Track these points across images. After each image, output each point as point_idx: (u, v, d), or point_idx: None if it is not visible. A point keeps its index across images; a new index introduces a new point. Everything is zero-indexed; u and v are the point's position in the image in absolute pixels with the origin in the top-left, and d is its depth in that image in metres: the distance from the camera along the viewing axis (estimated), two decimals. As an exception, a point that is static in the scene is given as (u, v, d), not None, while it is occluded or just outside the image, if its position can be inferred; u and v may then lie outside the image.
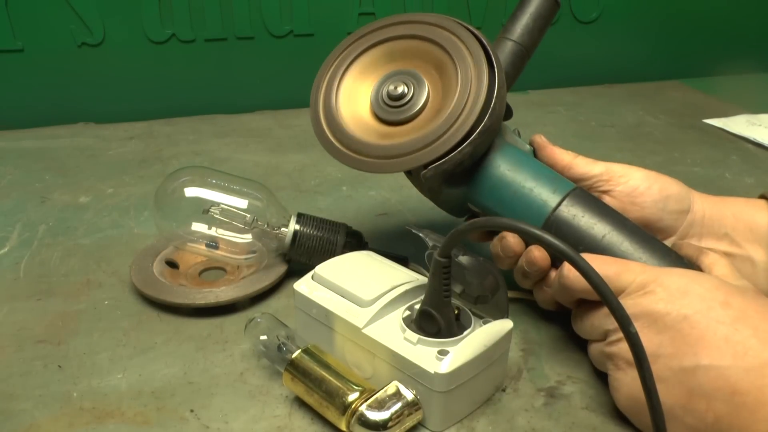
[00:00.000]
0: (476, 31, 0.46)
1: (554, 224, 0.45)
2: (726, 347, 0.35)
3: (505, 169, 0.47)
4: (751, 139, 0.88)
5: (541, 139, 0.51)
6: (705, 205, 0.49)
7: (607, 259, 0.40)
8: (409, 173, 0.52)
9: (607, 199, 0.48)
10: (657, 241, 0.45)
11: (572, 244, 0.44)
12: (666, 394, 0.35)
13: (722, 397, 0.34)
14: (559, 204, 0.45)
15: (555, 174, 0.48)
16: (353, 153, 0.46)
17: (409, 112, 0.46)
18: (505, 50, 0.51)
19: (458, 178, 0.48)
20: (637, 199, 0.48)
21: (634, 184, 0.48)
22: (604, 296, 0.32)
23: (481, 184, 0.48)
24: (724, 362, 0.34)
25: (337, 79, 0.48)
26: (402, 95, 0.46)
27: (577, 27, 1.13)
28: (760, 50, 1.24)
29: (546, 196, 0.46)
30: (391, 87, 0.46)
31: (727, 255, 0.46)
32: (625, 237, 0.44)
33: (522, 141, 0.50)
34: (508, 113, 0.52)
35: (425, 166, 0.45)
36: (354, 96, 0.48)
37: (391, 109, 0.46)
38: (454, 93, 0.45)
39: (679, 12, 1.18)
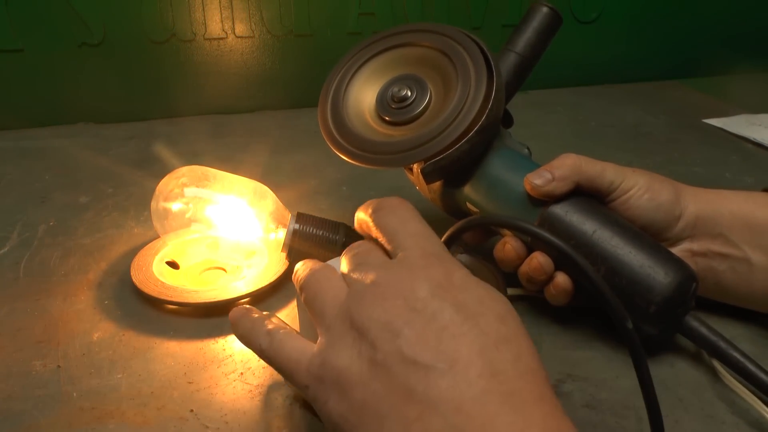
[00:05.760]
0: (478, 40, 0.49)
1: (547, 220, 0.46)
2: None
3: (501, 168, 0.49)
4: (751, 139, 0.88)
5: None
6: (699, 206, 0.47)
7: None
8: (410, 172, 0.53)
9: None
10: (647, 236, 0.45)
11: (563, 239, 0.44)
12: None
13: None
14: (552, 201, 0.46)
15: None
16: (356, 149, 0.48)
17: (411, 113, 0.49)
18: (508, 61, 0.52)
19: (456, 177, 0.50)
20: (619, 207, 0.47)
21: (620, 194, 0.47)
22: (604, 295, 0.32)
23: (478, 183, 0.49)
24: None
25: (347, 80, 0.52)
26: (405, 98, 0.49)
27: (577, 27, 1.13)
28: (760, 50, 1.24)
29: None
30: (396, 89, 0.49)
31: (722, 256, 0.46)
32: (614, 232, 0.44)
33: (521, 145, 0.52)
34: (509, 121, 0.54)
35: (424, 162, 0.47)
36: (361, 97, 0.51)
37: (394, 110, 0.49)
38: (454, 95, 0.47)
39: (678, 12, 1.18)
